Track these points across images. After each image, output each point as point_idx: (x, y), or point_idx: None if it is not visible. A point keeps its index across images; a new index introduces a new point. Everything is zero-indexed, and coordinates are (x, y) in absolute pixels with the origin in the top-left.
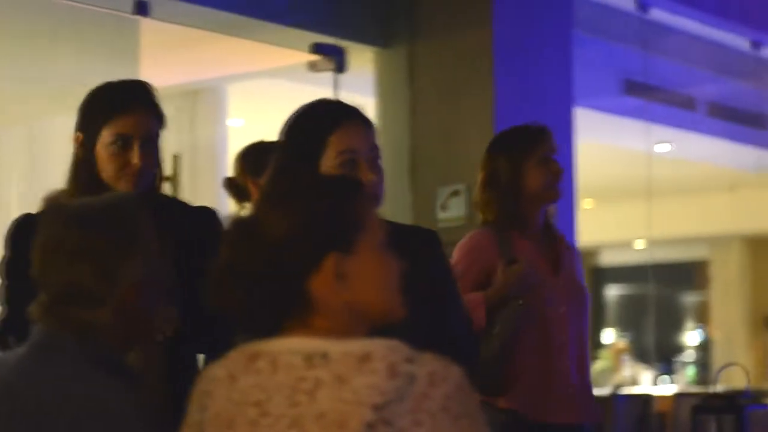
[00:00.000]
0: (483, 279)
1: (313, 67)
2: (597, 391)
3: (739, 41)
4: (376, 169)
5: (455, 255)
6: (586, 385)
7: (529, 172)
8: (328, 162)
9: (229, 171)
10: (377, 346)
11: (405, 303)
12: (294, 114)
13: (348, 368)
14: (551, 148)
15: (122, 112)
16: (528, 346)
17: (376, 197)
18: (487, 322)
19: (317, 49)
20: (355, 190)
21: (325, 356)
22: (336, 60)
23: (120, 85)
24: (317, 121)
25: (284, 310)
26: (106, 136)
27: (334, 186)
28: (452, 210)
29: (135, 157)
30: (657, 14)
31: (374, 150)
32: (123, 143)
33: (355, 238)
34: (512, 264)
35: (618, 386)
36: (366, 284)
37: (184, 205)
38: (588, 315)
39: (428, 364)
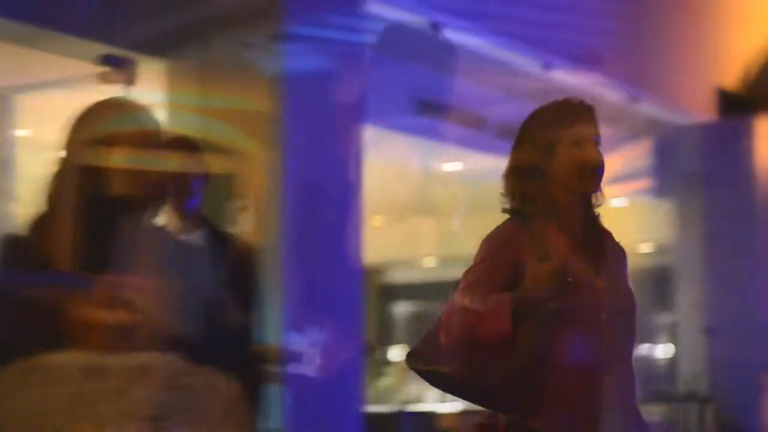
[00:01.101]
0: (512, 277)
1: (102, 78)
2: (382, 408)
3: (530, 63)
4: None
5: (480, 250)
6: (630, 405)
7: (560, 156)
8: None
9: (17, 181)
10: (155, 359)
11: (190, 314)
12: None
13: (126, 381)
14: (590, 130)
15: None
16: (562, 356)
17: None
18: (514, 328)
19: (107, 60)
20: (134, 208)
21: (103, 370)
22: (126, 72)
23: None
24: None
25: (62, 327)
26: None
27: (108, 206)
28: (239, 225)
29: None
30: (450, 35)
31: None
32: None
33: (133, 256)
34: (544, 261)
35: (404, 404)
36: (143, 300)
37: None
38: (635, 324)
39: (206, 376)
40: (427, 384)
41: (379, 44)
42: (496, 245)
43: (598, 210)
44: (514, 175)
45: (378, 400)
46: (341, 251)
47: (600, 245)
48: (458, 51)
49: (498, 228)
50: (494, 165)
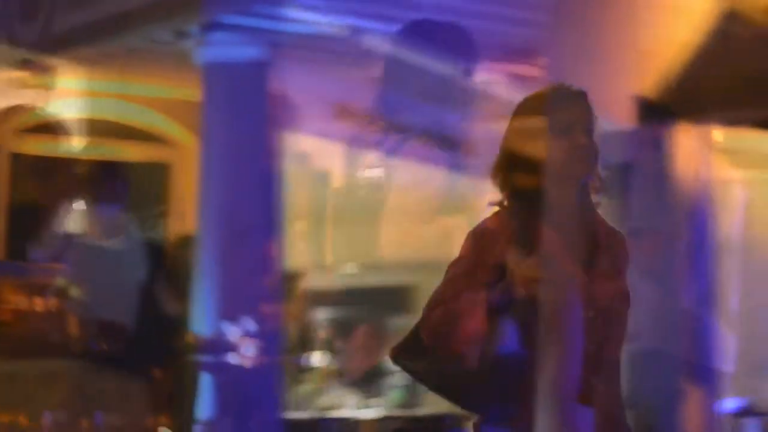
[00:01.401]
0: (496, 272)
1: (22, 83)
2: (301, 415)
3: (449, 68)
4: None
5: (464, 243)
6: (615, 409)
7: (547, 145)
8: None
9: None
10: (63, 366)
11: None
12: None
13: (36, 388)
14: (579, 116)
15: None
16: (542, 358)
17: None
18: (491, 326)
19: (26, 65)
20: (44, 214)
21: (12, 376)
22: (45, 76)
23: None
24: None
25: None
26: None
27: (18, 211)
28: (156, 230)
29: None
30: (368, 40)
31: None
32: None
33: (44, 259)
34: (525, 256)
35: (323, 410)
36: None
37: None
38: (625, 324)
39: (116, 382)
40: (348, 390)
41: (297, 49)
42: (479, 239)
43: (596, 201)
44: (501, 167)
45: (297, 407)
46: (262, 252)
47: (594, 239)
48: (376, 55)
49: (483, 221)
50: (413, 171)
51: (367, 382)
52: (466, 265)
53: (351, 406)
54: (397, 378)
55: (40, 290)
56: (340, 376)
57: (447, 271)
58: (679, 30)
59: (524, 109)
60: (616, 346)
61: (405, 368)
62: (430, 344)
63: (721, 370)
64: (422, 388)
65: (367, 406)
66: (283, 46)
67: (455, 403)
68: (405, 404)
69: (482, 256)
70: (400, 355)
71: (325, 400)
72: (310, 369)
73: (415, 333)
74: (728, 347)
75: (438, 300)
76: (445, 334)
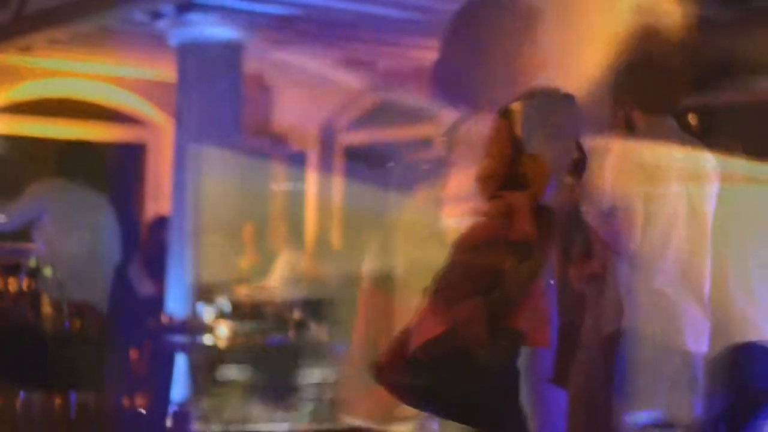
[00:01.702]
0: (488, 280)
1: None
2: (213, 428)
3: (364, 81)
4: None
5: (452, 254)
6: (595, 398)
7: (534, 150)
8: None
9: None
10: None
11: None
12: None
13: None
14: (565, 121)
15: None
16: (541, 366)
17: None
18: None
19: None
20: None
21: None
22: None
23: None
24: None
25: None
26: None
27: None
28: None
29: None
30: (281, 56)
31: None
32: None
33: None
34: (524, 263)
35: (230, 423)
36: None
37: None
38: (621, 331)
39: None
40: (260, 403)
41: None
42: (468, 248)
43: (584, 207)
44: (489, 175)
45: (208, 420)
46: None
47: (587, 244)
48: (296, 73)
49: (470, 229)
50: (340, 187)
51: (280, 395)
52: (456, 276)
53: (263, 420)
54: (309, 391)
55: (14, 270)
56: (255, 389)
57: (435, 282)
58: (605, 48)
59: (508, 118)
60: (615, 355)
61: (392, 387)
62: (420, 358)
63: (697, 352)
64: (335, 401)
65: (279, 420)
66: (258, 27)
67: (456, 419)
68: (317, 418)
69: (471, 265)
70: (382, 372)
71: (236, 413)
72: (220, 382)
73: (396, 349)
74: (701, 329)
75: (431, 311)
76: (441, 345)
